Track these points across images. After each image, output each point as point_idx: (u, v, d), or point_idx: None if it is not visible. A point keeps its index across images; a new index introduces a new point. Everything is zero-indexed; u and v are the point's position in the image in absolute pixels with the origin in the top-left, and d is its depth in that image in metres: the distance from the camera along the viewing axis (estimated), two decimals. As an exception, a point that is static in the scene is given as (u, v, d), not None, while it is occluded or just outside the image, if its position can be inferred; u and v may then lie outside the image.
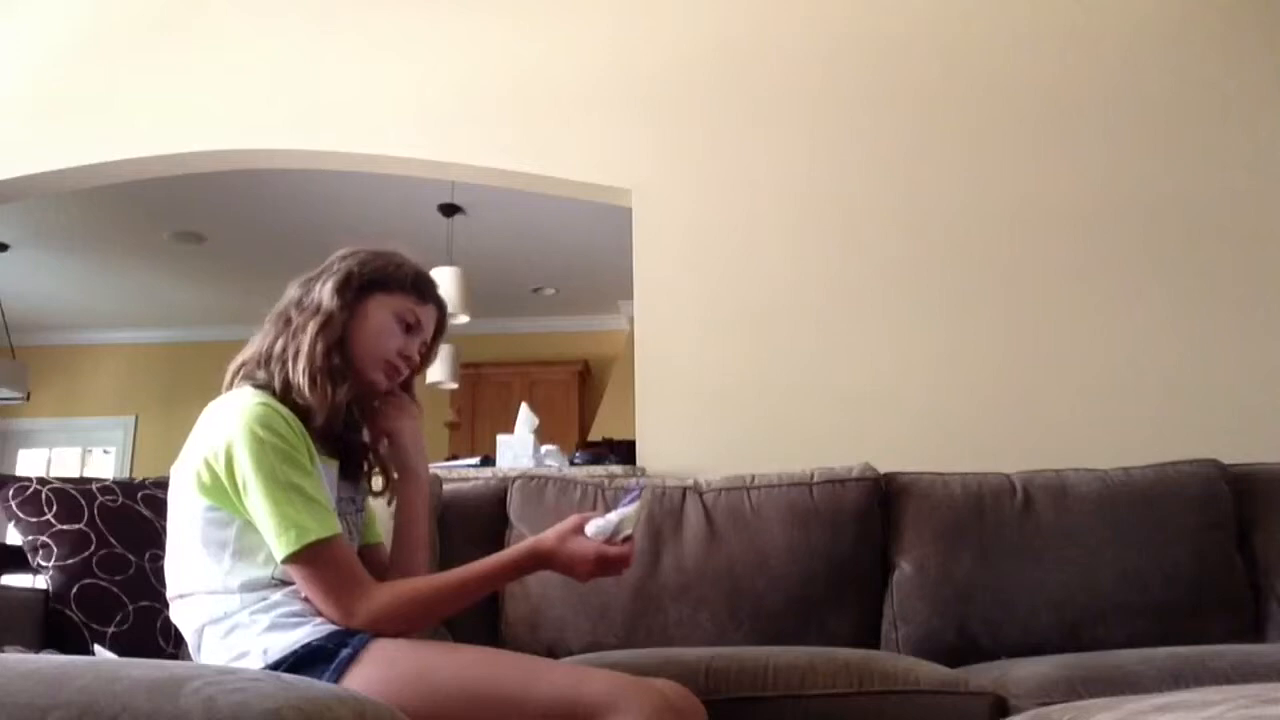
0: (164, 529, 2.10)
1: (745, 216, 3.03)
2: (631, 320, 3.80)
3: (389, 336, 1.49)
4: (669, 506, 2.24)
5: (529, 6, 3.32)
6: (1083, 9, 3.14)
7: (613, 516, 1.37)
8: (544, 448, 3.35)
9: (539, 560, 1.38)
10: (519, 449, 3.23)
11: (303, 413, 1.39)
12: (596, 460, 3.48)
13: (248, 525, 1.32)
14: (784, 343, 2.92)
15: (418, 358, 1.54)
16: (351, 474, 1.54)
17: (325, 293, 1.46)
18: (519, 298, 6.84)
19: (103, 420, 7.44)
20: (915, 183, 3.04)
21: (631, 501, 1.38)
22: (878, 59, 3.16)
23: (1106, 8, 3.13)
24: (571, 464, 3.41)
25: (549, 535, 1.39)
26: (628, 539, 1.37)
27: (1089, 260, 2.92)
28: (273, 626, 1.28)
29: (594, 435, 6.16)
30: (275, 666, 1.25)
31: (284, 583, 1.33)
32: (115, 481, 2.18)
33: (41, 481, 2.07)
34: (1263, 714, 0.65)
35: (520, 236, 5.66)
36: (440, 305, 1.58)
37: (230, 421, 1.33)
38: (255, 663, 1.27)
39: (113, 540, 2.01)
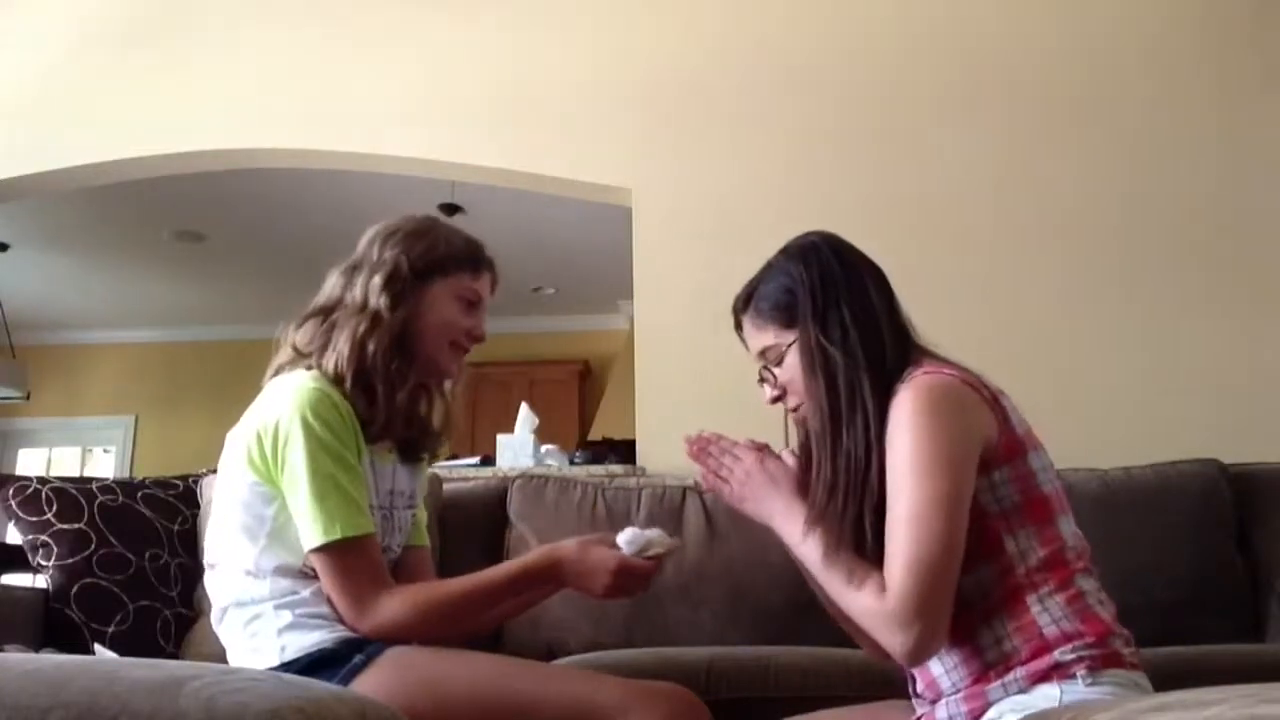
0: (164, 529, 2.11)
1: (745, 216, 3.03)
2: (631, 320, 3.80)
3: (457, 321, 1.44)
4: (669, 506, 2.24)
5: (530, 7, 3.32)
6: (1084, 10, 3.14)
7: (649, 531, 1.33)
8: (544, 447, 3.35)
9: (554, 566, 1.32)
10: (519, 449, 3.23)
11: (356, 402, 1.36)
12: (596, 460, 3.49)
13: (287, 507, 1.31)
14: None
15: (484, 332, 1.49)
16: (412, 460, 1.50)
17: (372, 289, 1.40)
18: (519, 298, 6.83)
19: (103, 420, 7.43)
20: (916, 182, 3.04)
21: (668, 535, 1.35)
22: (879, 58, 3.15)
23: (1112, 9, 3.13)
24: (571, 464, 3.41)
25: (569, 541, 1.34)
26: (653, 558, 1.32)
27: (1089, 261, 2.92)
28: (293, 625, 1.28)
29: (594, 435, 6.16)
30: (288, 665, 1.25)
31: (316, 573, 1.31)
32: (115, 481, 2.18)
33: (41, 481, 2.07)
34: (1262, 714, 0.65)
35: (520, 236, 5.66)
36: (493, 266, 1.51)
37: (283, 402, 1.32)
38: (270, 658, 1.27)
39: (113, 540, 2.01)
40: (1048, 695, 1.08)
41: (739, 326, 1.38)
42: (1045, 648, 1.10)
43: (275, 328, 1.48)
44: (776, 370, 1.30)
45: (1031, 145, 3.03)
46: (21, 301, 6.44)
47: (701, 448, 1.33)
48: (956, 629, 1.15)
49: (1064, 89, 3.06)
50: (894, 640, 1.09)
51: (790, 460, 1.29)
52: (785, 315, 1.28)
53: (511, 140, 3.20)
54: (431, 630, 1.30)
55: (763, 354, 1.33)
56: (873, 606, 1.11)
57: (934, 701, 1.20)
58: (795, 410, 1.30)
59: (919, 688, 1.23)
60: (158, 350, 7.43)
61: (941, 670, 1.18)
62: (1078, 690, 1.07)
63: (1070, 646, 1.09)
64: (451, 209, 5.15)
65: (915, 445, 1.11)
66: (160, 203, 5.25)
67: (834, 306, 1.24)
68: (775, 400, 1.33)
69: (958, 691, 1.16)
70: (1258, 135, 2.96)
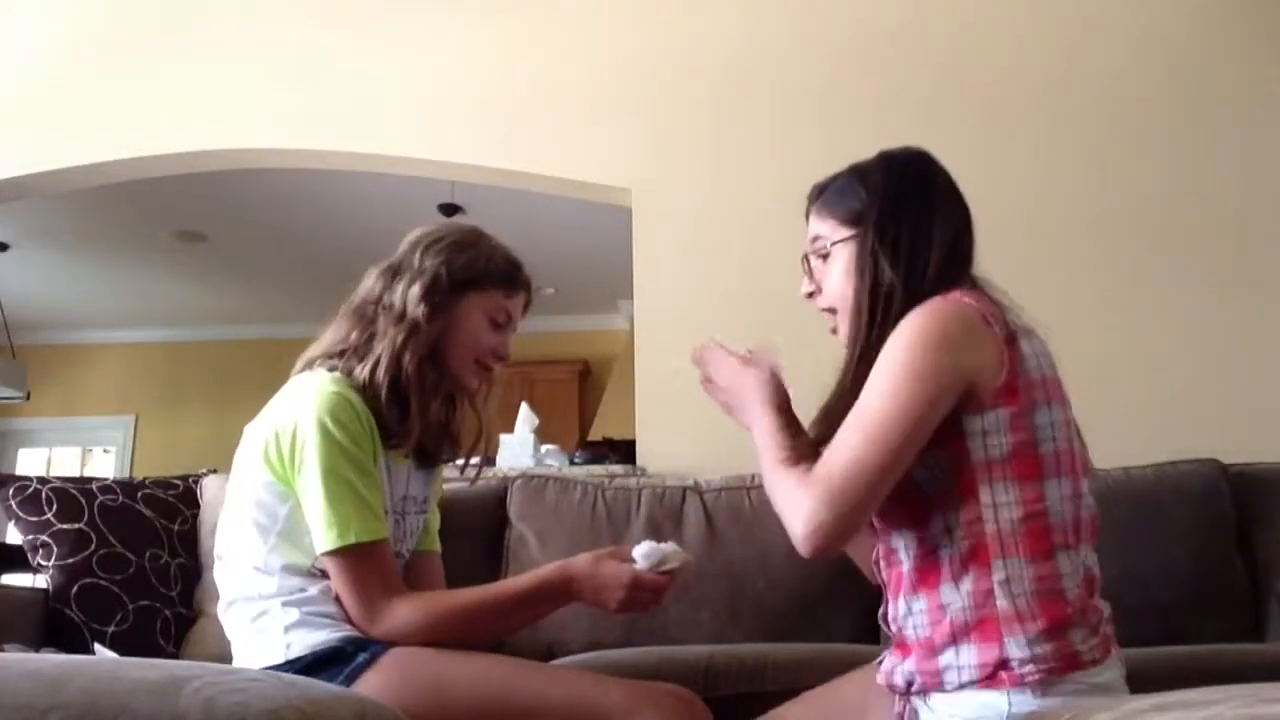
0: (163, 529, 2.11)
1: (745, 216, 3.02)
2: (631, 320, 3.80)
3: (482, 338, 1.45)
4: (669, 506, 2.24)
5: (529, 7, 3.32)
6: (1095, 7, 3.13)
7: (664, 545, 1.34)
8: (544, 447, 3.35)
9: (567, 583, 1.32)
10: (519, 449, 3.23)
11: (376, 405, 1.36)
12: (596, 460, 3.49)
13: (300, 507, 1.32)
14: (784, 343, 2.91)
15: (509, 351, 1.49)
16: (428, 465, 1.51)
17: (411, 297, 1.40)
18: (519, 297, 6.84)
19: (103, 420, 7.44)
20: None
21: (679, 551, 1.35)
22: (880, 57, 3.15)
23: (1118, 5, 3.13)
24: (571, 464, 3.42)
25: (582, 556, 1.34)
26: (668, 573, 1.32)
27: (1089, 260, 2.92)
28: (300, 623, 1.28)
29: (594, 435, 6.16)
30: (293, 662, 1.25)
31: (323, 573, 1.32)
32: (115, 481, 2.18)
33: (41, 481, 2.07)
34: (1263, 713, 0.65)
35: (520, 236, 5.58)
36: (529, 287, 1.52)
37: (302, 404, 1.32)
38: (275, 655, 1.27)
39: (113, 540, 2.01)
40: (995, 707, 1.06)
41: (809, 215, 1.39)
42: (995, 629, 1.08)
43: (276, 327, 1.48)
44: (819, 264, 1.33)
45: (1041, 147, 3.03)
46: (21, 301, 6.44)
47: (703, 354, 1.38)
48: (928, 575, 1.15)
49: (1081, 89, 3.06)
50: (797, 517, 1.10)
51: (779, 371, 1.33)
52: (851, 215, 1.29)
53: (511, 140, 3.20)
54: (441, 640, 1.29)
55: (814, 241, 1.34)
56: (798, 481, 1.12)
57: (898, 645, 1.20)
58: (825, 311, 1.34)
59: (888, 616, 1.24)
60: (158, 350, 7.43)
61: (906, 610, 1.18)
62: (1027, 702, 1.05)
63: (1023, 638, 1.06)
64: (451, 209, 5.15)
65: (897, 354, 1.12)
66: (160, 203, 5.25)
67: (898, 222, 1.25)
68: (809, 295, 1.36)
69: (916, 642, 1.15)
70: (1258, 135, 2.96)
